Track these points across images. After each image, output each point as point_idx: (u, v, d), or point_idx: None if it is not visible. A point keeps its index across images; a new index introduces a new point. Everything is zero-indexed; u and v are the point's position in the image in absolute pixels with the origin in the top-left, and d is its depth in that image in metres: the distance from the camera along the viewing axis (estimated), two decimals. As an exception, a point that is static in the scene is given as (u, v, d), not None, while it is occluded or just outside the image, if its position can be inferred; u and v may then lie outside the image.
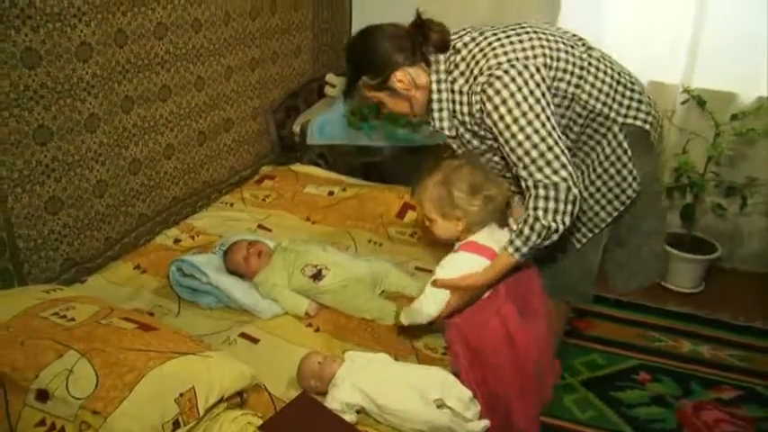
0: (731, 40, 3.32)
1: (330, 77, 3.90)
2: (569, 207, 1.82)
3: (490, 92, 1.82)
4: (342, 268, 2.39)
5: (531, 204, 1.84)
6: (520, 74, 1.82)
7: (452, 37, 1.98)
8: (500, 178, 2.01)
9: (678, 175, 3.38)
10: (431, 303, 1.95)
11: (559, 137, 1.82)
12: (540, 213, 1.82)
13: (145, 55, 2.65)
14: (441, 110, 1.99)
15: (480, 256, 1.93)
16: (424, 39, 1.94)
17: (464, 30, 2.00)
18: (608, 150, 2.03)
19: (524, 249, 1.86)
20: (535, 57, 1.87)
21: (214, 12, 2.97)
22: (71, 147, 2.40)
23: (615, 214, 2.10)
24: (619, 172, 2.04)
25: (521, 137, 1.80)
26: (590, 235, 2.15)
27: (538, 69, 1.84)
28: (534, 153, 1.80)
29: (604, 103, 1.98)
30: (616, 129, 2.01)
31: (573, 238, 2.18)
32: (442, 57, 1.95)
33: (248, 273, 2.43)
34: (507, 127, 1.82)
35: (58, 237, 2.44)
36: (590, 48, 2.03)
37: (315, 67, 3.91)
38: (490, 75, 1.83)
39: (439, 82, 1.96)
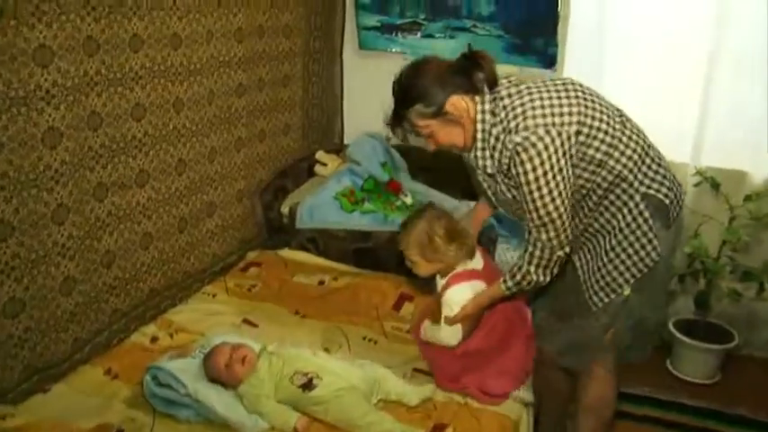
0: (739, 117, 3.23)
1: (320, 155, 3.71)
2: (554, 265, 2.08)
3: (523, 156, 1.92)
4: (335, 376, 2.14)
5: (527, 256, 2.08)
6: (552, 141, 1.92)
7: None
8: (468, 229, 2.35)
9: (691, 261, 3.18)
10: (450, 337, 2.26)
11: (566, 208, 1.99)
12: (532, 268, 2.08)
13: (121, 138, 2.44)
14: (484, 149, 2.06)
15: (469, 280, 2.26)
16: (476, 68, 2.01)
17: (508, 78, 2.09)
18: (629, 218, 2.09)
19: (514, 289, 2.15)
20: (570, 123, 1.95)
21: (197, 90, 2.78)
22: (35, 242, 2.16)
23: (632, 281, 2.13)
24: (638, 239, 2.09)
25: (538, 202, 1.96)
26: (606, 300, 2.17)
27: (569, 137, 1.95)
28: (539, 216, 1.99)
29: (630, 170, 2.05)
30: (638, 198, 2.07)
31: (590, 301, 2.20)
32: (488, 96, 2.03)
33: (231, 381, 2.18)
34: (530, 192, 1.95)
35: (17, 342, 2.18)
36: (626, 119, 2.11)
37: (304, 145, 3.72)
38: (526, 138, 1.92)
39: (484, 121, 2.03)
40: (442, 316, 2.27)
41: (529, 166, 1.92)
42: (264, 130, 3.33)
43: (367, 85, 3.87)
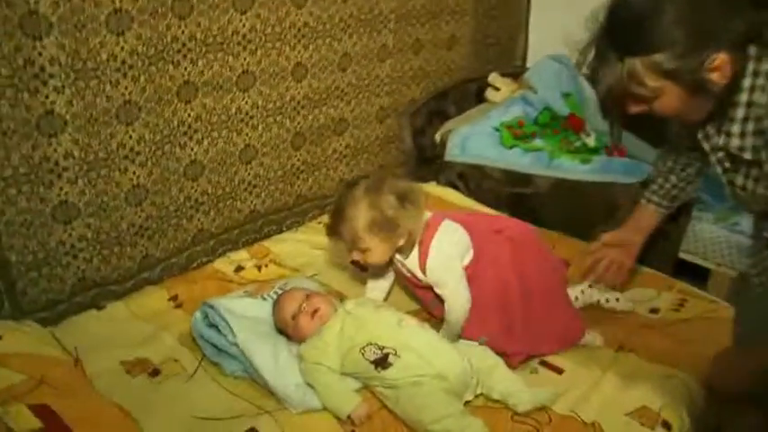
0: None
1: (493, 78, 3.13)
2: None
3: None
4: (418, 357, 1.67)
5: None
6: None
7: None
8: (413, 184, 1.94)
9: None
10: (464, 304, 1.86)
11: None
12: None
13: (218, 31, 2.06)
14: (747, 118, 1.36)
15: (437, 228, 1.87)
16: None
17: None
18: None
19: None
20: None
21: (324, -18, 2.32)
22: (93, 141, 1.87)
23: None
24: None
25: None
26: None
27: None
28: None
29: None
30: None
31: None
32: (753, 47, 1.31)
33: (295, 336, 1.80)
34: None
35: (69, 251, 1.94)
36: None
37: (475, 64, 3.15)
38: None
39: (753, 89, 1.34)
40: (442, 292, 1.87)
41: None
42: (420, 39, 2.80)
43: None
